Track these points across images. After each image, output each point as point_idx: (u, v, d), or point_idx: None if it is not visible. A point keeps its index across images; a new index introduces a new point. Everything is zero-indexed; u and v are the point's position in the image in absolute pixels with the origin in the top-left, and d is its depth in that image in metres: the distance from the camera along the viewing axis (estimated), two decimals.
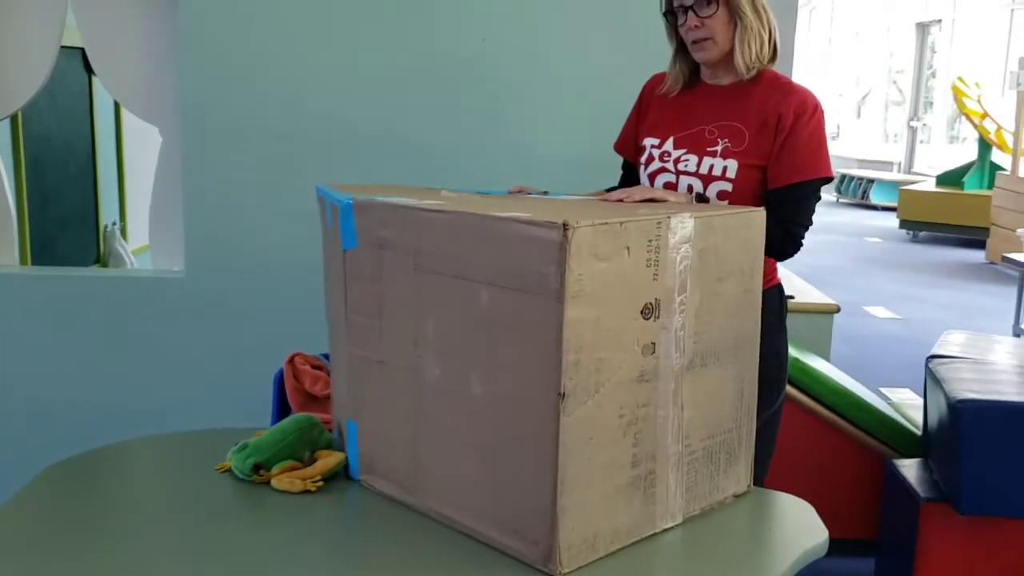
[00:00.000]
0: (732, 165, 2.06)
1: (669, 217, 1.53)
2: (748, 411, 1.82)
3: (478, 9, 3.00)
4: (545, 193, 2.12)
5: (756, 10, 2.05)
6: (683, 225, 1.56)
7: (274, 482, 1.79)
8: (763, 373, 2.13)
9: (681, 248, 1.56)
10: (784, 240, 2.05)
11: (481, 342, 1.52)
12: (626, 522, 1.57)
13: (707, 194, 2.07)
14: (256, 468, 1.81)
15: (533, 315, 1.42)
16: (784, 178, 2.06)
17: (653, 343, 1.54)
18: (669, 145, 2.14)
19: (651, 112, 2.24)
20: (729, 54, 2.08)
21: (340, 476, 1.83)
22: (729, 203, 2.07)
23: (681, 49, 2.15)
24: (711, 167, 2.08)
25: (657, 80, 2.26)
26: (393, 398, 1.72)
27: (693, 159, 2.09)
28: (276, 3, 2.98)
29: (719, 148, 2.08)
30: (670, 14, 2.11)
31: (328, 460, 1.83)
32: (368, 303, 1.75)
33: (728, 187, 2.07)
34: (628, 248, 1.46)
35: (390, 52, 3.00)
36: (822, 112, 2.09)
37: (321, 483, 1.78)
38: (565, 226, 1.36)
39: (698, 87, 2.17)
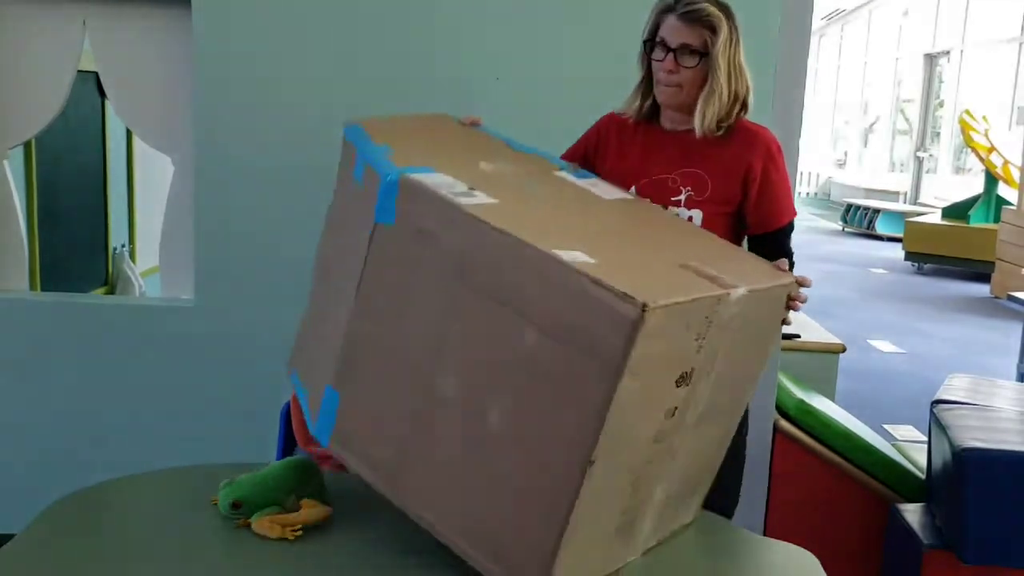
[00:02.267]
0: (697, 215, 2.10)
1: (729, 293, 1.51)
2: (722, 454, 1.85)
3: (495, 38, 3.01)
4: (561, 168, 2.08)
5: (730, 75, 2.06)
6: (738, 299, 1.54)
7: (255, 527, 1.79)
8: None
9: (731, 323, 1.54)
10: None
11: (513, 379, 1.47)
12: (603, 557, 1.60)
13: None
14: (235, 505, 1.81)
15: (583, 376, 1.38)
16: (773, 223, 2.16)
17: (676, 407, 1.53)
18: (632, 195, 2.13)
19: (609, 158, 2.23)
20: (685, 106, 2.11)
21: (321, 526, 1.80)
22: None
23: (647, 81, 2.15)
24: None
25: (612, 120, 2.26)
26: (396, 391, 1.64)
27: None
28: (291, 34, 3.01)
29: (682, 197, 2.11)
30: (650, 43, 2.11)
31: (312, 512, 1.82)
32: (390, 287, 1.63)
33: None
34: (688, 324, 1.44)
35: (408, 84, 3.01)
36: (781, 152, 2.15)
37: (300, 532, 1.77)
38: (644, 307, 1.31)
39: (656, 133, 2.18)
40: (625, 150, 2.20)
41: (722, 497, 2.18)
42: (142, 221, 5.49)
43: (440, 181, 1.57)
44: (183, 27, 3.08)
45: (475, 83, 2.97)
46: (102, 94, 4.71)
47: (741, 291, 1.52)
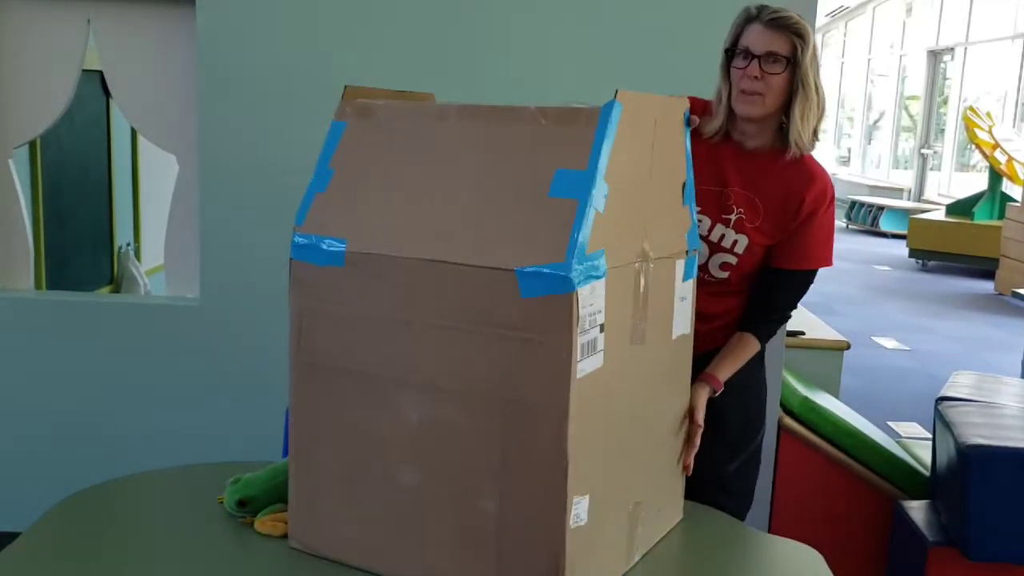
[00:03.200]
0: (743, 241, 2.05)
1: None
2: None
3: (509, 39, 3.01)
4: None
5: (817, 87, 1.99)
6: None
7: (257, 525, 1.79)
8: (743, 412, 2.18)
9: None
10: (775, 330, 2.15)
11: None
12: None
13: (709, 263, 2.07)
14: (241, 504, 1.81)
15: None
16: (796, 262, 2.09)
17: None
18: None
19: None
20: (767, 118, 2.03)
21: None
22: (728, 274, 2.08)
23: (727, 97, 2.04)
24: (722, 236, 2.06)
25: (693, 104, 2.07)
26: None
27: (707, 221, 2.06)
28: (295, 32, 3.01)
29: (732, 218, 2.06)
30: (731, 51, 2.02)
31: None
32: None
33: (733, 260, 2.07)
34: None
35: (413, 84, 3.01)
36: (835, 203, 2.10)
37: None
38: None
39: (726, 144, 2.09)
40: (698, 145, 2.01)
41: (736, 499, 2.19)
42: (147, 219, 5.50)
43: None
44: (187, 26, 3.09)
45: (486, 86, 2.98)
46: (107, 93, 4.72)
47: None
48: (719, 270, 2.06)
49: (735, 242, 2.06)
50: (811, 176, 2.05)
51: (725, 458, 2.17)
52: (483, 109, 1.61)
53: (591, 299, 1.41)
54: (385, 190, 1.62)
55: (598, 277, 1.43)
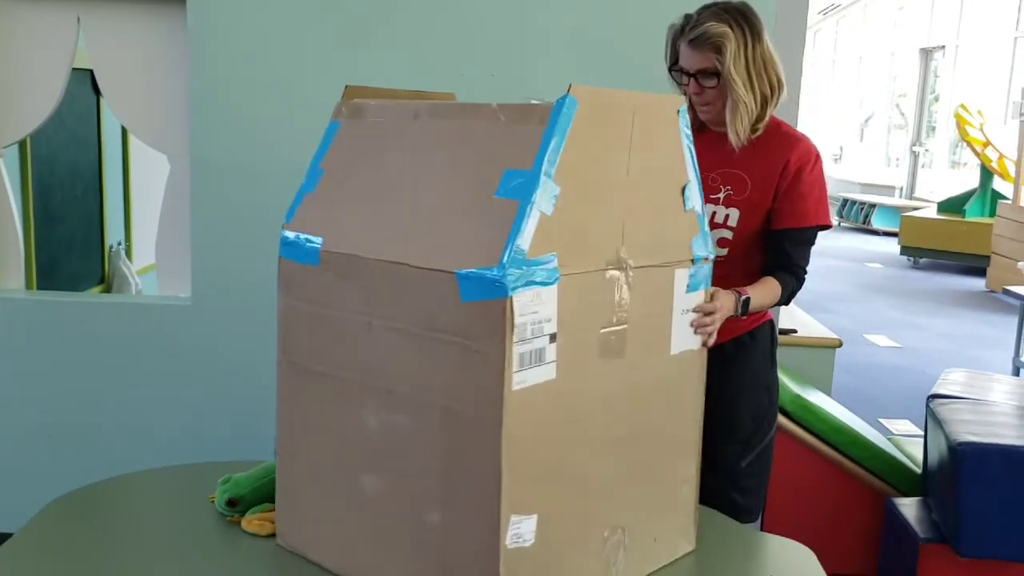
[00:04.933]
0: (734, 213, 2.10)
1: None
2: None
3: (486, 38, 3.01)
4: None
5: (750, 81, 2.03)
6: None
7: (244, 524, 1.79)
8: (755, 409, 2.20)
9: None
10: (796, 287, 2.12)
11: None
12: None
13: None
14: (231, 503, 1.82)
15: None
16: (793, 220, 2.10)
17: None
18: None
19: None
20: (724, 120, 2.09)
21: None
22: (728, 250, 2.11)
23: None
24: (713, 214, 2.11)
25: None
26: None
27: None
28: (286, 31, 3.01)
29: (721, 196, 2.11)
30: (675, 71, 2.11)
31: None
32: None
33: (729, 235, 2.12)
34: None
35: (405, 82, 3.01)
36: (822, 162, 2.13)
37: None
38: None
39: (703, 133, 2.16)
40: None
41: (748, 497, 2.20)
42: (138, 218, 5.48)
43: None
44: (178, 24, 3.08)
45: (472, 80, 2.98)
46: (97, 92, 4.71)
47: None
48: (717, 247, 2.07)
49: (727, 216, 2.10)
50: (793, 139, 2.11)
51: (738, 454, 2.19)
52: (452, 107, 1.60)
53: (533, 306, 1.35)
54: (361, 190, 1.61)
55: (544, 283, 1.36)
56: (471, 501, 1.40)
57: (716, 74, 2.02)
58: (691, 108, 2.12)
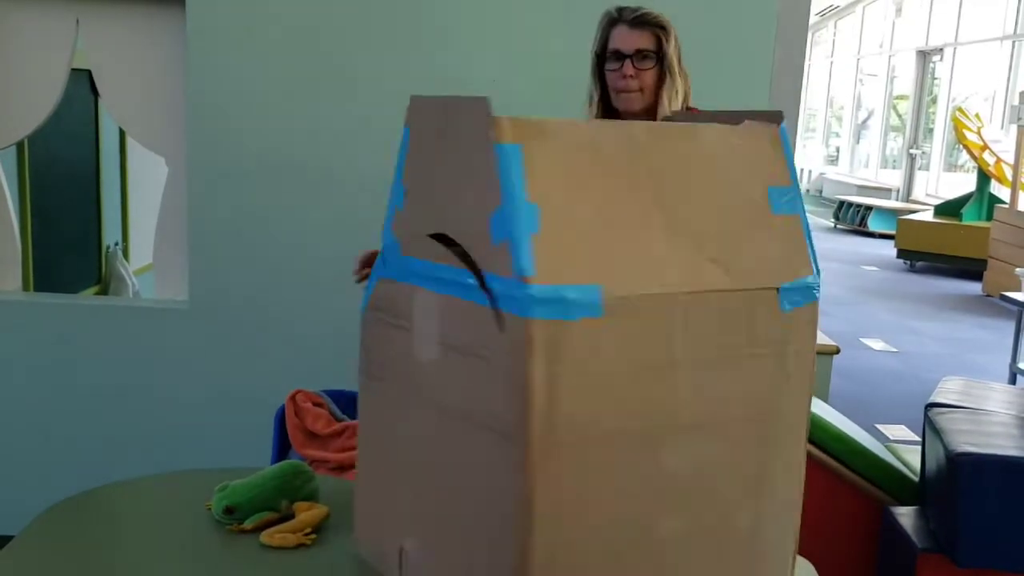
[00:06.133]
0: None
1: None
2: None
3: (493, 42, 3.01)
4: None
5: (681, 71, 2.17)
6: None
7: (264, 539, 1.77)
8: None
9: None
10: None
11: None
12: None
13: None
14: (229, 511, 1.81)
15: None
16: None
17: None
18: None
19: None
20: (647, 109, 2.17)
21: (323, 528, 1.78)
22: None
23: (603, 96, 2.22)
24: None
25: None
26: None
27: None
28: (284, 33, 3.00)
29: None
30: (601, 56, 2.18)
31: (313, 512, 1.81)
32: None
33: None
34: None
35: (403, 84, 3.01)
36: None
37: (314, 536, 1.76)
38: None
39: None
40: None
41: None
42: (135, 218, 5.47)
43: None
44: (177, 26, 3.07)
45: (472, 84, 2.97)
46: (95, 93, 4.70)
47: None
48: None
49: None
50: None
51: None
52: (671, 129, 1.49)
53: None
54: (603, 221, 1.35)
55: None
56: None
57: (654, 56, 2.12)
58: (602, 100, 2.21)
